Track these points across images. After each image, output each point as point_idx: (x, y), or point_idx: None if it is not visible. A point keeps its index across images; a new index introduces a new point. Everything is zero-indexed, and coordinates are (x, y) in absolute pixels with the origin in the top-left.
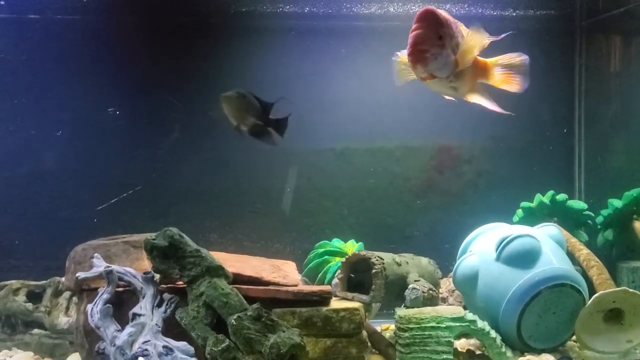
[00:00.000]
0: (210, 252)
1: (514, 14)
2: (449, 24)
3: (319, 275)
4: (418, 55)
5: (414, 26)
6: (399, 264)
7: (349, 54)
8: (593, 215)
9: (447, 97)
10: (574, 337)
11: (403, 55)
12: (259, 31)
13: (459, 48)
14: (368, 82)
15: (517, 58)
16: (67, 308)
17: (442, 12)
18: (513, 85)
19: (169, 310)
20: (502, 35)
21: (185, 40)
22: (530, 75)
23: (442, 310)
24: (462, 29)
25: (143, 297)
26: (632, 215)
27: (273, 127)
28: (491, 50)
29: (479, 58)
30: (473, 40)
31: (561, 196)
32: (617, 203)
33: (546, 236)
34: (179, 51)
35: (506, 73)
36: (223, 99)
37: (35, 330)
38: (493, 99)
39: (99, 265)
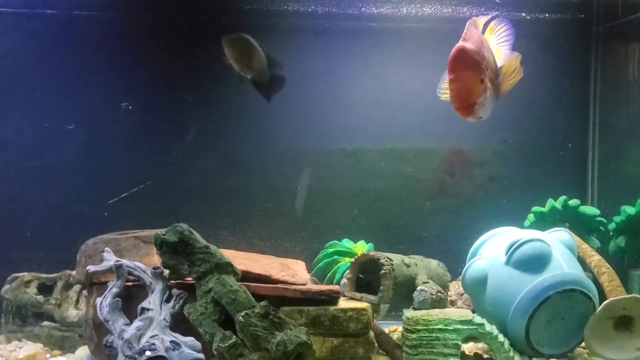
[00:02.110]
0: (219, 249)
1: (529, 17)
2: (484, 57)
3: (328, 275)
4: (467, 111)
5: (452, 75)
6: (408, 266)
7: (363, 55)
8: (605, 221)
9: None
10: (583, 344)
11: (444, 93)
12: (272, 29)
13: (497, 75)
14: (381, 82)
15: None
16: (77, 301)
17: (474, 43)
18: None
19: (177, 306)
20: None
21: (200, 38)
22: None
23: (450, 312)
24: (491, 46)
25: (152, 292)
26: None
27: (270, 81)
28: None
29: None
30: (512, 67)
31: (573, 201)
32: (630, 210)
33: (557, 241)
34: (193, 48)
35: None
36: (225, 42)
37: (45, 323)
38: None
39: (109, 259)
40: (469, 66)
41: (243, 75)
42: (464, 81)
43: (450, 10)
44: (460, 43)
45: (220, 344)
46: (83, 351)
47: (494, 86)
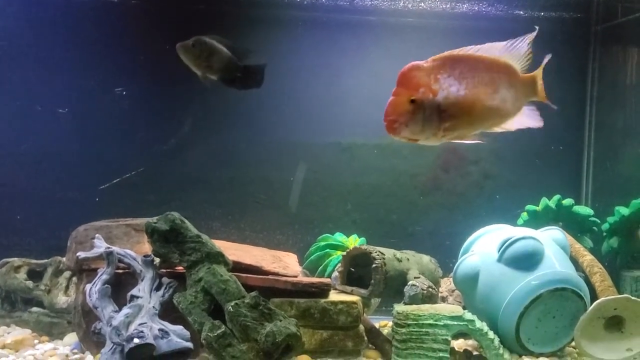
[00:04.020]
0: (211, 239)
1: (527, 15)
2: (431, 80)
3: (320, 268)
4: (388, 126)
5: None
6: (399, 260)
7: (359, 49)
8: (599, 221)
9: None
10: (573, 343)
11: None
12: (269, 21)
13: (457, 95)
14: (377, 77)
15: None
16: (67, 288)
17: (435, 66)
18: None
19: (167, 294)
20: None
21: (197, 26)
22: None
23: (441, 308)
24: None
25: (142, 280)
26: (639, 224)
27: (242, 74)
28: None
29: (525, 75)
30: (474, 94)
31: (567, 201)
32: (623, 211)
33: (550, 240)
34: (190, 37)
35: (542, 84)
36: (179, 49)
37: (34, 309)
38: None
39: (100, 246)
40: (403, 84)
41: (207, 77)
42: (395, 97)
43: (448, 6)
44: (414, 62)
45: (209, 334)
46: (71, 338)
47: (441, 115)
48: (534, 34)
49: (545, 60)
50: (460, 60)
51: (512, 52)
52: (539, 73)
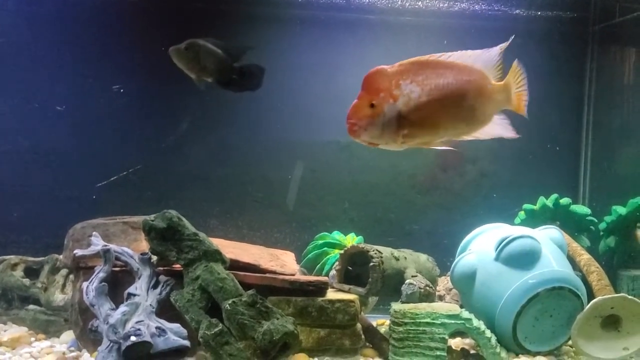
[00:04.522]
0: (209, 237)
1: (525, 14)
2: (393, 86)
3: (317, 267)
4: (348, 128)
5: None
6: (397, 259)
7: (357, 47)
8: (596, 221)
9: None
10: (569, 342)
11: None
12: (267, 19)
13: (418, 102)
14: None
15: (518, 71)
16: (64, 285)
17: (400, 71)
18: (523, 108)
19: (164, 292)
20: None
21: (196, 24)
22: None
23: (438, 306)
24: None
25: (139, 278)
26: (636, 223)
27: (238, 75)
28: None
29: (497, 83)
30: (432, 97)
31: (565, 200)
32: (621, 210)
33: (547, 239)
34: (189, 34)
35: (519, 93)
36: (172, 53)
37: (31, 306)
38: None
39: (97, 243)
40: (366, 88)
41: (202, 80)
42: (357, 100)
43: (446, 5)
44: (379, 66)
45: (206, 332)
46: (68, 336)
47: (400, 121)
48: (506, 43)
49: (517, 67)
50: (427, 67)
51: (485, 60)
52: (509, 81)
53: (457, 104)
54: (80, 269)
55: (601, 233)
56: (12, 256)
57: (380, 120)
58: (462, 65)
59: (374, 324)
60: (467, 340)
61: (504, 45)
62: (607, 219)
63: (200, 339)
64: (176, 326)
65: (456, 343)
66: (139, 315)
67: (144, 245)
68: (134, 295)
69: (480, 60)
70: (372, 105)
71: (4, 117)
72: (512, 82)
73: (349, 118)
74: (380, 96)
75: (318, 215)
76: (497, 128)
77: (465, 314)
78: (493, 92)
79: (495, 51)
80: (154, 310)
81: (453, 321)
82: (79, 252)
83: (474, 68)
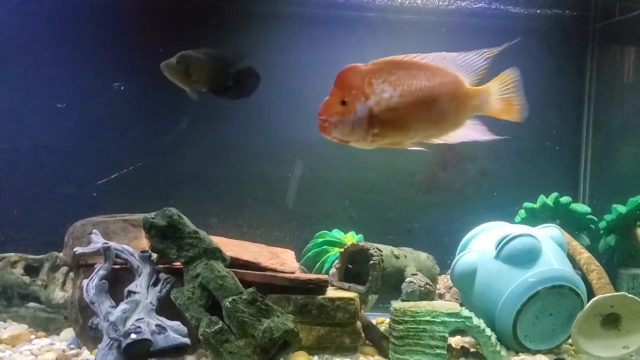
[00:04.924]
0: (209, 235)
1: (526, 13)
2: (365, 84)
3: (317, 265)
4: (320, 126)
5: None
6: (397, 257)
7: (357, 45)
8: (596, 219)
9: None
10: (569, 340)
11: None
12: (267, 17)
13: (389, 102)
14: None
15: (511, 77)
16: (64, 283)
17: (372, 70)
18: (513, 114)
19: (164, 290)
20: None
21: (195, 22)
22: (528, 98)
23: (438, 305)
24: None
25: (139, 276)
26: (636, 222)
27: (234, 81)
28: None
29: (473, 88)
30: (403, 98)
31: (565, 199)
32: (621, 209)
33: (547, 237)
34: (188, 32)
35: (505, 100)
36: (163, 68)
37: (31, 304)
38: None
39: (97, 241)
40: (338, 85)
41: (197, 91)
42: (329, 97)
43: (446, 3)
44: (353, 64)
45: (206, 329)
46: (68, 333)
47: (371, 120)
48: (494, 50)
49: (509, 74)
50: (400, 67)
51: (463, 64)
52: (490, 87)
53: (429, 106)
54: (81, 266)
55: (601, 231)
56: (12, 254)
57: (351, 117)
58: (436, 67)
59: (374, 322)
60: (467, 339)
61: (491, 51)
62: (607, 217)
63: (201, 337)
64: (176, 324)
65: (456, 341)
66: (139, 313)
67: (144, 243)
68: (134, 292)
69: (457, 63)
70: (343, 102)
71: (4, 114)
72: (495, 88)
73: (320, 114)
74: (352, 93)
75: (318, 213)
76: (471, 132)
77: (466, 312)
78: (467, 97)
79: (479, 56)
80: (154, 307)
81: (453, 319)
82: (79, 249)
83: (447, 71)
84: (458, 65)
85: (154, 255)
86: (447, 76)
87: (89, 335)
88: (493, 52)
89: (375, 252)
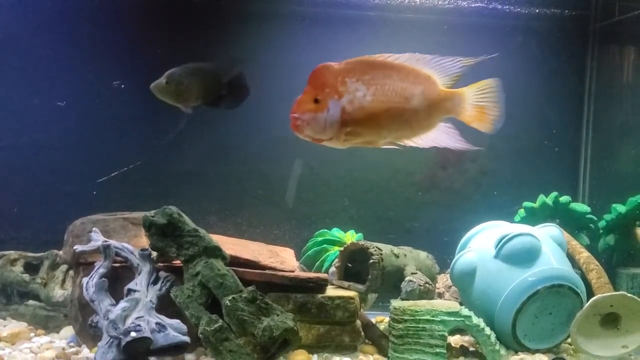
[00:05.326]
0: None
1: (526, 12)
2: (339, 82)
3: (317, 264)
4: (292, 124)
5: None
6: (397, 256)
7: (358, 44)
8: (596, 219)
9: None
10: (569, 340)
11: None
12: (267, 16)
13: (362, 101)
14: None
15: (491, 86)
16: (63, 281)
17: (347, 68)
18: (485, 123)
19: (164, 288)
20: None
21: (196, 20)
22: (506, 112)
23: (438, 304)
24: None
25: (139, 274)
26: (635, 222)
27: (228, 91)
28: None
29: (446, 90)
30: (375, 98)
31: (564, 198)
32: (620, 208)
33: (547, 236)
34: (189, 31)
35: (479, 107)
36: (153, 90)
37: (31, 302)
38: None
39: (97, 239)
40: (311, 83)
41: (191, 107)
42: (302, 95)
43: (447, 2)
44: (327, 62)
45: (206, 328)
46: (68, 331)
47: (344, 119)
48: (472, 60)
49: (490, 83)
50: (374, 66)
51: (436, 66)
52: (465, 92)
53: (401, 106)
54: (80, 264)
55: (601, 231)
56: (11, 252)
57: (324, 115)
58: (410, 67)
59: (374, 320)
60: (467, 338)
61: (468, 60)
62: (607, 217)
63: (200, 335)
64: (176, 322)
65: (455, 340)
66: (139, 311)
67: (144, 241)
68: (134, 291)
69: (430, 65)
70: (316, 101)
71: (4, 112)
72: (471, 94)
73: (292, 112)
74: (325, 92)
75: (317, 212)
76: (444, 137)
77: (465, 311)
78: (440, 98)
79: (454, 62)
80: (154, 306)
81: (453, 318)
82: (78, 247)
83: (421, 72)
84: (431, 68)
85: (154, 254)
86: (420, 77)
87: (88, 333)
88: (470, 62)
89: (375, 251)
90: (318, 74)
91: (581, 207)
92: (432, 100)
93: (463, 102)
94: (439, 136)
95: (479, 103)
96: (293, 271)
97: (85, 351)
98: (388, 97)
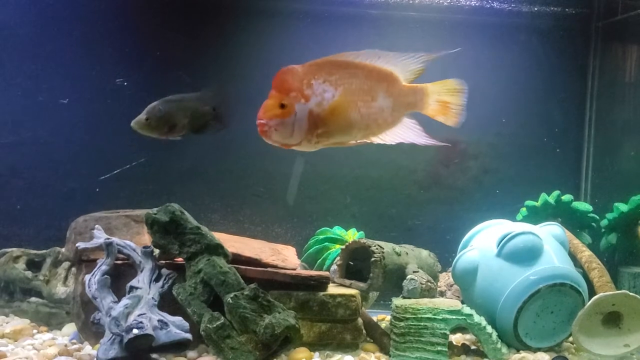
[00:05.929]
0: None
1: (529, 10)
2: (305, 86)
3: (319, 261)
4: (260, 130)
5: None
6: (398, 254)
7: (360, 42)
8: (598, 218)
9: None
10: (570, 338)
11: None
12: (272, 13)
13: (331, 101)
14: None
15: (455, 85)
16: (66, 278)
17: (302, 68)
18: (449, 117)
19: (166, 285)
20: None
21: (198, 15)
22: (467, 108)
23: (439, 302)
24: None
25: (141, 271)
26: (637, 220)
27: (215, 117)
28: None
29: (409, 85)
30: (342, 100)
31: (567, 197)
32: (622, 207)
33: (549, 235)
34: (193, 28)
35: (443, 102)
36: (134, 127)
37: (33, 299)
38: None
39: (99, 236)
40: (276, 87)
41: (182, 135)
42: (268, 100)
43: (449, 0)
44: (290, 66)
45: (208, 325)
46: (70, 328)
47: (314, 121)
48: (433, 56)
49: (456, 82)
50: (339, 66)
51: (397, 63)
52: (428, 87)
53: (368, 104)
54: (83, 261)
55: (603, 230)
56: (14, 249)
57: (291, 120)
58: (372, 65)
59: (375, 319)
60: (468, 336)
61: (429, 55)
62: (609, 215)
63: (202, 332)
64: (178, 319)
65: (457, 339)
66: (141, 308)
67: (147, 239)
68: (136, 288)
69: (391, 62)
70: (282, 106)
71: (7, 109)
72: (434, 89)
73: (259, 118)
74: (291, 96)
75: (319, 210)
76: (408, 132)
77: (467, 309)
78: (403, 93)
79: (415, 58)
80: (156, 303)
81: (454, 317)
82: (81, 245)
83: (382, 69)
84: (392, 64)
85: (156, 251)
86: (382, 73)
87: (90, 331)
88: (431, 57)
89: (377, 249)
90: (282, 78)
91: (583, 205)
92: (394, 96)
93: (425, 97)
94: (404, 132)
95: (442, 97)
96: (295, 269)
97: (87, 348)
98: (356, 96)
